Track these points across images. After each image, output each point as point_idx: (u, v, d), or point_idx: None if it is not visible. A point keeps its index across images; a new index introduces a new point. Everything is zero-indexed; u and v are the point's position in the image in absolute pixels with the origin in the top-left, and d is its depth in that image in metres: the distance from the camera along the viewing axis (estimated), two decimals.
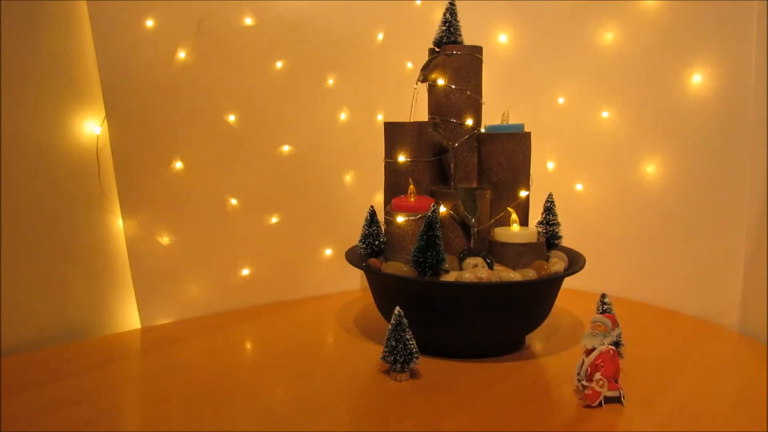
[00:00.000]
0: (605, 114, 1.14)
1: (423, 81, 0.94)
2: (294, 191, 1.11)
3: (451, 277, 0.81)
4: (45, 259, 0.90)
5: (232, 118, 1.03)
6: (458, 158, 0.92)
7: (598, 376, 0.69)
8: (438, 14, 0.94)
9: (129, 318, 0.98)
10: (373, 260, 0.89)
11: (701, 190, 1.03)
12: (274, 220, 1.10)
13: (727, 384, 0.77)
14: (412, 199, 0.88)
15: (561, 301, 0.94)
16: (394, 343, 0.76)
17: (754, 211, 0.96)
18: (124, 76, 0.93)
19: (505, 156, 0.92)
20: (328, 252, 1.17)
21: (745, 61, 0.96)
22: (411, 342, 0.76)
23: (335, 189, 1.16)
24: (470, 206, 0.87)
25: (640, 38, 1.08)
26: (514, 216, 0.90)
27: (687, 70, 1.03)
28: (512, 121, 0.95)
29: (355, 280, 1.19)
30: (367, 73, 1.17)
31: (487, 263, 0.85)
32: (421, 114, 0.96)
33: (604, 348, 0.71)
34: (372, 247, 0.90)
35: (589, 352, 0.72)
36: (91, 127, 0.93)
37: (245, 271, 1.08)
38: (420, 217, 0.85)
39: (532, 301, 0.85)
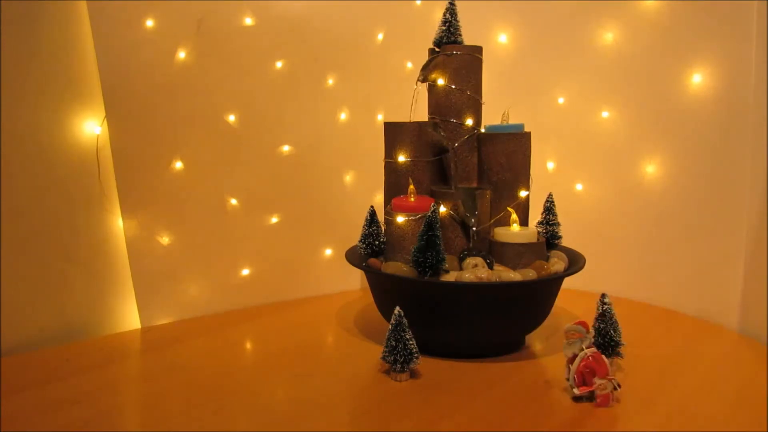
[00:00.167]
0: (605, 114, 1.14)
1: (423, 81, 0.94)
2: (294, 191, 1.11)
3: (451, 277, 0.81)
4: (45, 259, 0.90)
5: (232, 118, 1.03)
6: (458, 158, 0.92)
7: (598, 381, 0.70)
8: (438, 14, 0.94)
9: (129, 318, 0.98)
10: (373, 260, 0.89)
11: (701, 190, 1.03)
12: (274, 220, 1.10)
13: (727, 384, 0.77)
14: (412, 199, 0.88)
15: (561, 301, 0.94)
16: (394, 343, 0.76)
17: (754, 211, 0.96)
18: (124, 76, 0.93)
19: (505, 156, 0.92)
20: (328, 252, 1.17)
21: (745, 61, 0.96)
22: (411, 342, 0.76)
23: (335, 189, 1.16)
24: (470, 206, 0.87)
25: (640, 38, 1.08)
26: (514, 216, 0.90)
27: (687, 70, 1.03)
28: (512, 121, 0.95)
29: (355, 280, 1.19)
30: (367, 73, 1.17)
31: (487, 263, 0.85)
32: (421, 114, 0.96)
33: (584, 354, 0.71)
34: (372, 247, 0.90)
35: (571, 360, 0.72)
36: (91, 127, 0.93)
37: (245, 271, 1.08)
38: (420, 217, 0.85)
39: (532, 301, 0.85)
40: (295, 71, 1.08)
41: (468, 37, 0.94)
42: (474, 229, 0.88)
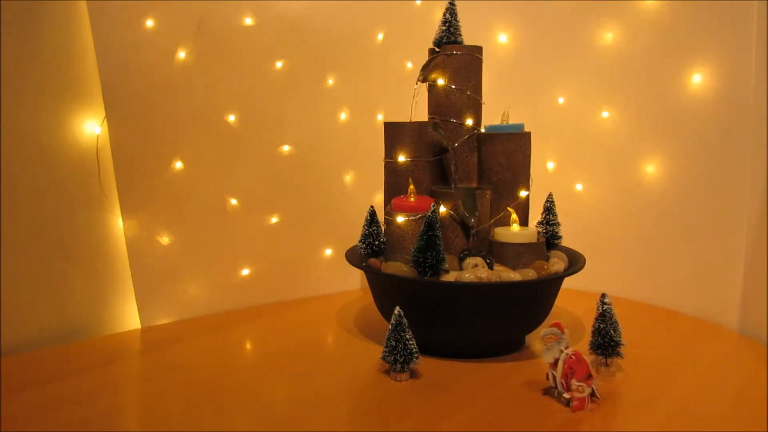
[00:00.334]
0: (605, 114, 1.14)
1: (423, 81, 0.94)
2: (294, 191, 1.11)
3: (451, 277, 0.81)
4: (45, 259, 0.90)
5: (232, 118, 1.03)
6: (458, 158, 0.92)
7: (575, 384, 0.69)
8: (438, 14, 0.94)
9: (129, 318, 0.98)
10: (373, 260, 0.89)
11: (701, 190, 1.03)
12: (274, 220, 1.10)
13: (727, 384, 0.77)
14: (412, 199, 0.88)
15: (561, 301, 0.94)
16: (394, 343, 0.76)
17: (754, 211, 0.96)
18: (124, 76, 0.93)
19: (505, 156, 0.92)
20: (328, 252, 1.17)
21: (745, 61, 0.96)
22: (411, 342, 0.76)
23: (335, 189, 1.16)
24: (470, 206, 0.87)
25: (640, 38, 1.08)
26: (514, 216, 0.90)
27: (687, 70, 1.03)
28: (512, 121, 0.95)
29: (355, 280, 1.19)
30: (367, 73, 1.17)
31: (487, 263, 0.85)
32: (421, 114, 0.96)
33: (565, 356, 0.70)
34: (372, 247, 0.90)
35: (554, 365, 0.71)
36: (91, 127, 0.93)
37: (245, 271, 1.08)
38: (420, 217, 0.85)
39: (532, 301, 0.85)
40: (295, 71, 1.08)
41: (468, 37, 0.94)
42: (473, 229, 0.88)
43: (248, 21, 1.03)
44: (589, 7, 1.13)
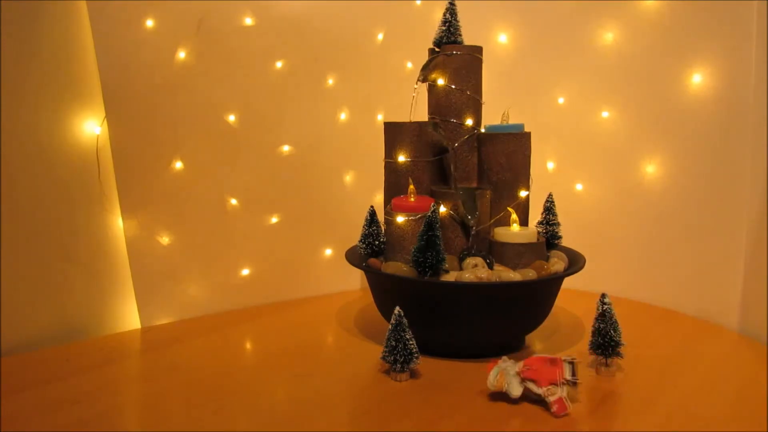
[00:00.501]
0: (605, 114, 1.14)
1: (423, 81, 0.94)
2: (294, 191, 1.11)
3: (451, 277, 0.81)
4: (45, 259, 0.90)
5: (232, 118, 1.03)
6: (458, 158, 0.92)
7: (545, 391, 0.68)
8: (438, 14, 0.94)
9: (129, 318, 0.98)
10: (373, 260, 0.89)
11: (701, 190, 1.03)
12: (274, 220, 1.10)
13: (727, 384, 0.77)
14: (412, 199, 0.88)
15: (561, 301, 0.94)
16: (394, 343, 0.76)
17: (754, 211, 0.96)
18: (124, 76, 0.93)
19: (505, 156, 0.92)
20: (328, 252, 1.17)
21: (745, 61, 0.96)
22: (411, 342, 0.76)
23: (335, 189, 1.16)
24: (470, 206, 0.87)
25: (640, 38, 1.08)
26: (514, 216, 0.90)
27: (687, 70, 1.03)
28: (512, 121, 0.95)
29: (355, 280, 1.19)
30: (367, 73, 1.17)
31: (487, 263, 0.85)
32: (421, 114, 0.96)
33: (515, 372, 0.70)
34: (372, 247, 0.90)
35: (525, 388, 0.69)
36: (91, 127, 0.93)
37: (245, 271, 1.08)
38: (420, 217, 0.85)
39: (532, 301, 0.85)
40: (295, 71, 1.08)
41: (468, 37, 0.94)
42: (473, 229, 0.88)
43: (248, 21, 1.03)
44: (589, 7, 1.13)
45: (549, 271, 0.84)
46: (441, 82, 0.92)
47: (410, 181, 0.90)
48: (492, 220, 0.92)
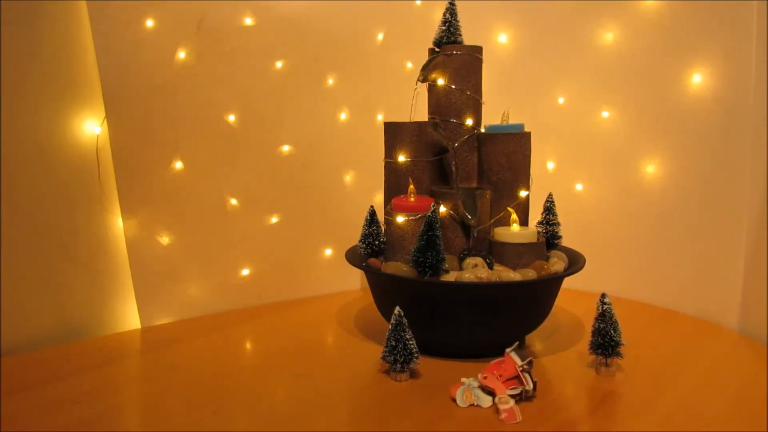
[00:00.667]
0: (605, 114, 1.14)
1: (423, 81, 0.94)
2: (294, 191, 1.11)
3: (451, 277, 0.81)
4: (45, 259, 0.90)
5: (232, 118, 1.03)
6: (458, 158, 0.92)
7: (498, 399, 0.69)
8: (438, 14, 0.94)
9: (129, 318, 0.98)
10: (373, 260, 0.89)
11: (701, 190, 1.03)
12: (274, 220, 1.10)
13: (727, 384, 0.77)
14: (412, 199, 0.88)
15: (561, 301, 0.94)
16: (394, 343, 0.76)
17: (754, 211, 0.96)
18: (124, 76, 0.93)
19: (505, 156, 0.92)
20: (328, 252, 1.17)
21: (745, 61, 0.96)
22: (411, 342, 0.76)
23: (335, 189, 1.16)
24: (470, 206, 0.87)
25: (640, 38, 1.08)
26: (514, 216, 0.90)
27: (687, 70, 1.03)
28: (512, 121, 0.95)
29: (355, 280, 1.19)
30: (367, 73, 1.17)
31: (487, 263, 0.85)
32: (421, 114, 0.96)
33: (478, 386, 0.71)
34: (372, 247, 0.90)
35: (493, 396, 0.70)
36: (91, 127, 0.93)
37: (245, 271, 1.08)
38: (420, 217, 0.85)
39: (532, 301, 0.85)
40: (295, 71, 1.08)
41: (468, 37, 0.94)
42: (473, 229, 0.88)
43: (248, 21, 1.03)
44: (589, 7, 1.13)
45: (549, 271, 0.84)
46: (441, 82, 0.92)
47: (410, 181, 0.90)
48: (492, 220, 0.92)
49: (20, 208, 0.87)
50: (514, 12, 1.22)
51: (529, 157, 0.93)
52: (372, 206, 0.91)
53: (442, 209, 0.87)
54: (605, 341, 0.78)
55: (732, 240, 0.99)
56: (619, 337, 0.78)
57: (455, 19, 0.92)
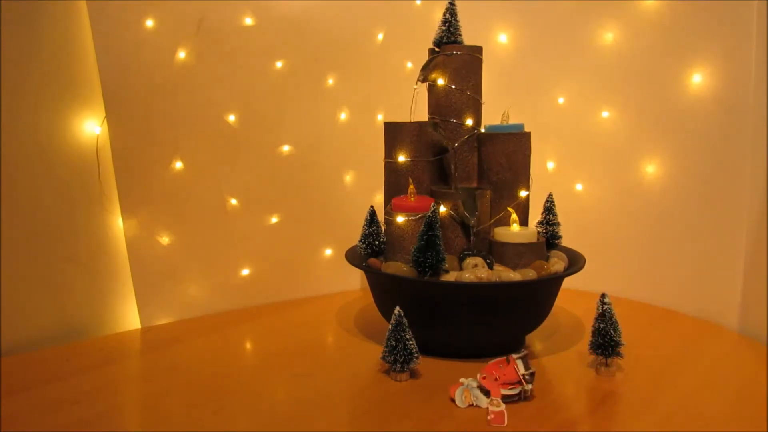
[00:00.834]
0: (605, 114, 1.14)
1: (423, 81, 0.94)
2: (294, 191, 1.11)
3: (451, 277, 0.81)
4: (45, 259, 0.90)
5: (232, 118, 1.03)
6: (458, 158, 0.92)
7: (490, 400, 0.69)
8: (438, 14, 0.94)
9: (129, 318, 0.98)
10: (373, 260, 0.89)
11: (701, 190, 1.03)
12: (274, 220, 1.10)
13: (727, 384, 0.77)
14: (412, 199, 0.88)
15: (561, 301, 0.94)
16: (394, 343, 0.76)
17: (754, 211, 0.96)
18: (124, 76, 0.93)
19: (505, 156, 0.92)
20: (328, 252, 1.17)
21: (745, 61, 0.96)
22: (411, 342, 0.76)
23: (335, 189, 1.16)
24: (470, 206, 0.87)
25: (640, 38, 1.08)
26: (514, 216, 0.90)
27: (687, 70, 1.03)
28: (512, 121, 0.95)
29: (355, 280, 1.19)
30: (367, 73, 1.17)
31: (487, 263, 0.85)
32: (421, 114, 0.96)
33: (476, 387, 0.71)
34: (372, 247, 0.90)
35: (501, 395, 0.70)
36: (91, 127, 0.93)
37: (245, 271, 1.08)
38: (420, 217, 0.85)
39: (532, 301, 0.85)
40: (295, 71, 1.08)
41: (468, 37, 0.94)
42: (473, 229, 0.88)
43: (248, 21, 1.03)
44: (589, 7, 1.13)
45: (549, 271, 0.84)
46: (441, 82, 0.92)
47: (410, 181, 0.90)
48: (492, 220, 0.92)
49: (20, 208, 0.87)
50: (514, 12, 1.22)
51: (529, 157, 0.93)
52: (372, 206, 0.91)
53: (442, 209, 0.87)
54: (605, 341, 0.78)
55: (732, 240, 0.99)
56: (619, 337, 0.78)
57: (455, 19, 0.92)
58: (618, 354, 0.78)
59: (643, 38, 1.08)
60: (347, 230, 1.05)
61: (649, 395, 0.73)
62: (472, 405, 0.70)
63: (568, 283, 0.89)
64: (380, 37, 1.17)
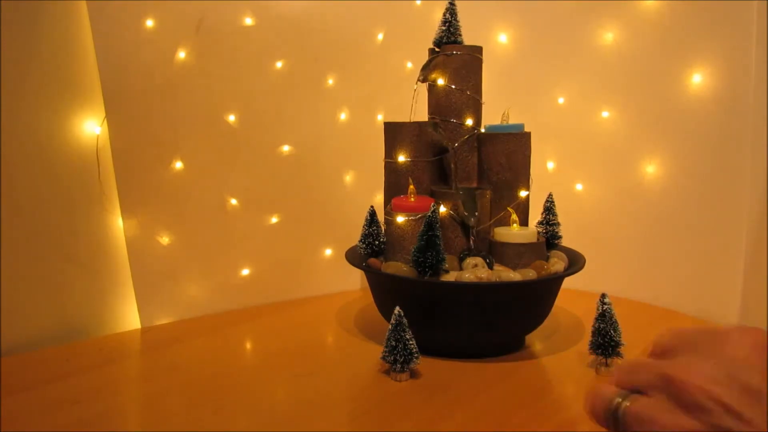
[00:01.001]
0: (605, 114, 1.14)
1: (423, 81, 0.94)
2: (294, 191, 1.11)
3: (451, 277, 0.81)
4: (45, 259, 0.90)
5: (232, 118, 1.03)
6: (458, 158, 0.92)
7: None
8: (438, 14, 0.94)
9: (129, 318, 0.98)
10: (373, 260, 0.89)
11: (701, 190, 1.03)
12: (274, 220, 1.10)
13: None
14: (412, 199, 0.88)
15: (561, 301, 0.94)
16: (394, 343, 0.76)
17: (754, 211, 0.96)
18: (124, 76, 0.93)
19: (505, 156, 0.92)
20: (328, 252, 1.17)
21: (745, 61, 0.96)
22: (411, 342, 0.76)
23: (335, 189, 1.16)
24: (470, 206, 0.87)
25: (640, 38, 1.08)
26: (514, 216, 0.90)
27: (687, 70, 1.03)
28: (512, 121, 0.95)
29: (355, 280, 1.19)
30: (367, 73, 1.17)
31: (487, 263, 0.85)
32: (421, 114, 0.96)
33: None
34: (372, 247, 0.90)
35: None
36: (91, 127, 0.93)
37: (245, 271, 1.08)
38: (420, 217, 0.85)
39: (532, 301, 0.85)
40: (295, 71, 1.08)
41: (468, 37, 0.94)
42: (473, 229, 0.88)
43: (248, 21, 1.03)
44: (589, 7, 1.13)
45: (549, 271, 0.84)
46: (441, 82, 0.92)
47: (410, 181, 0.90)
48: (492, 220, 0.92)
49: (20, 208, 0.87)
50: (514, 12, 1.22)
51: (529, 157, 0.93)
52: (372, 206, 0.91)
53: (442, 209, 0.87)
54: (605, 341, 0.78)
55: (732, 240, 0.99)
56: (619, 337, 0.78)
57: (455, 19, 0.92)
58: (618, 354, 0.78)
59: (643, 38, 1.08)
60: (347, 230, 1.05)
61: None
62: None
63: (568, 283, 0.89)
64: (380, 37, 1.17)
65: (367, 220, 0.90)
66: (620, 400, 0.44)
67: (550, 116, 1.19)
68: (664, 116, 1.07)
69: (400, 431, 0.65)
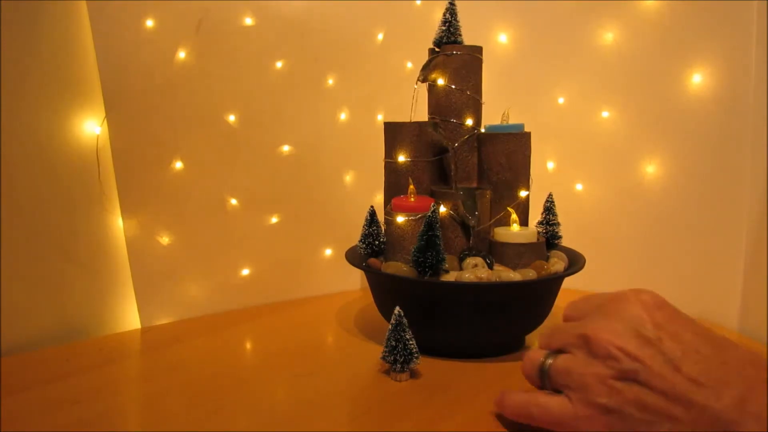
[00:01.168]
0: (605, 114, 1.14)
1: (423, 81, 0.94)
2: (294, 191, 1.11)
3: (451, 277, 0.81)
4: (45, 259, 0.90)
5: (232, 118, 1.03)
6: (458, 158, 0.92)
7: None
8: (438, 14, 0.94)
9: (129, 318, 0.98)
10: (373, 260, 0.89)
11: (701, 190, 1.03)
12: (274, 220, 1.10)
13: None
14: (412, 199, 0.88)
15: (561, 301, 0.94)
16: (394, 343, 0.76)
17: (754, 211, 0.96)
18: (124, 76, 0.93)
19: (505, 156, 0.92)
20: (328, 252, 1.17)
21: (745, 61, 0.96)
22: (411, 342, 0.76)
23: (335, 189, 1.16)
24: (470, 206, 0.87)
25: (640, 38, 1.08)
26: (514, 216, 0.90)
27: (687, 70, 1.03)
28: (512, 121, 0.95)
29: (355, 280, 1.19)
30: (367, 73, 1.17)
31: (487, 263, 0.85)
32: (421, 114, 0.96)
33: None
34: (372, 247, 0.90)
35: None
36: (91, 127, 0.93)
37: (245, 271, 1.08)
38: (420, 217, 0.85)
39: (532, 301, 0.85)
40: (294, 71, 1.08)
41: (468, 37, 0.94)
42: (473, 229, 0.88)
43: (248, 21, 1.03)
44: (589, 7, 1.13)
45: (549, 271, 0.84)
46: (441, 82, 0.92)
47: (410, 181, 0.90)
48: (492, 220, 0.92)
49: (20, 208, 0.87)
50: (514, 12, 1.22)
51: (529, 157, 0.93)
52: (372, 206, 0.91)
53: (442, 209, 0.87)
54: None
55: (732, 240, 0.99)
56: None
57: (455, 19, 0.92)
58: None
59: (643, 38, 1.08)
60: (347, 230, 1.05)
61: None
62: None
63: (568, 283, 0.89)
64: (380, 37, 1.17)
65: (367, 220, 0.90)
66: (545, 359, 0.55)
67: (550, 116, 1.19)
68: (664, 116, 1.07)
69: (400, 431, 0.65)
